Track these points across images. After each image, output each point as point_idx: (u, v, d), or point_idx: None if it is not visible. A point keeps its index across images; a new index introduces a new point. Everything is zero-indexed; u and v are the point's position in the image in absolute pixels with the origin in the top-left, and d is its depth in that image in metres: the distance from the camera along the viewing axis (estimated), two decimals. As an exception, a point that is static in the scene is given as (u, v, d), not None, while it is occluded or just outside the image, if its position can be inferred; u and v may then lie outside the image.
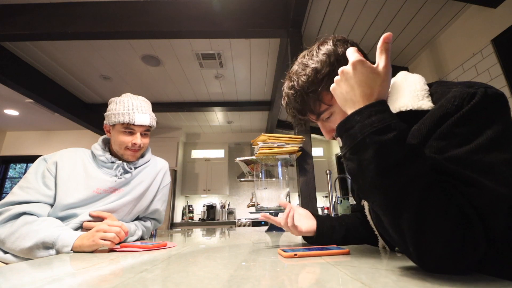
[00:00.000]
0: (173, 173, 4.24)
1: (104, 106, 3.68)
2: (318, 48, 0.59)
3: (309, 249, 0.55)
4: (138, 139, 1.00)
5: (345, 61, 0.50)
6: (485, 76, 1.86)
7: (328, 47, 0.58)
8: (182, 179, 4.68)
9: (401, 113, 0.50)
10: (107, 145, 1.07)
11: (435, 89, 0.50)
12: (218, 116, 4.28)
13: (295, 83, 0.59)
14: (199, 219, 4.60)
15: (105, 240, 0.70)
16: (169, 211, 4.02)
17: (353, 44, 0.58)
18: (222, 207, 4.71)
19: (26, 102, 3.40)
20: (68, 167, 0.94)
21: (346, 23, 2.21)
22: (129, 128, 0.99)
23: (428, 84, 0.53)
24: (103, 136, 1.08)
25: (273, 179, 1.36)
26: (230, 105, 3.75)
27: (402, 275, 0.36)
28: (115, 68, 2.88)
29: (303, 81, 0.58)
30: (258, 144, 1.42)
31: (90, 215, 0.89)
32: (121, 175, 1.01)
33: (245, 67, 2.95)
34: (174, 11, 2.07)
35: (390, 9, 2.04)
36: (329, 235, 0.70)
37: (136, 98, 1.03)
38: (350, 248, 0.57)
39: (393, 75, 0.60)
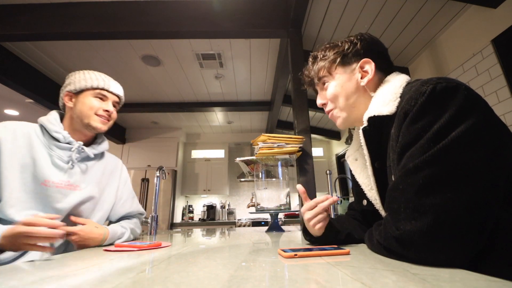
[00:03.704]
0: (173, 173, 4.24)
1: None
2: (348, 38, 0.72)
3: (309, 249, 0.55)
4: (110, 106, 0.94)
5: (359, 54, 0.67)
6: (485, 76, 1.86)
7: (352, 38, 0.70)
8: (182, 179, 4.68)
9: (371, 118, 0.57)
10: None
11: (409, 88, 0.54)
12: (218, 116, 4.28)
13: (321, 50, 0.74)
14: (199, 219, 4.60)
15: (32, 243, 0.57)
16: (169, 211, 4.02)
17: (377, 43, 0.69)
18: (222, 207, 4.71)
19: (26, 102, 3.39)
20: (12, 145, 0.77)
21: (346, 23, 2.21)
22: (101, 93, 0.92)
23: (409, 83, 0.58)
24: (55, 110, 0.94)
25: (273, 179, 1.36)
26: (230, 105, 3.75)
27: (402, 275, 0.36)
28: (115, 68, 2.88)
29: (325, 50, 0.73)
30: (258, 144, 1.41)
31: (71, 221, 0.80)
32: (76, 160, 0.86)
33: (245, 67, 2.95)
34: (174, 11, 2.07)
35: (390, 9, 2.04)
36: (334, 236, 0.68)
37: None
38: (350, 248, 0.57)
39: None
